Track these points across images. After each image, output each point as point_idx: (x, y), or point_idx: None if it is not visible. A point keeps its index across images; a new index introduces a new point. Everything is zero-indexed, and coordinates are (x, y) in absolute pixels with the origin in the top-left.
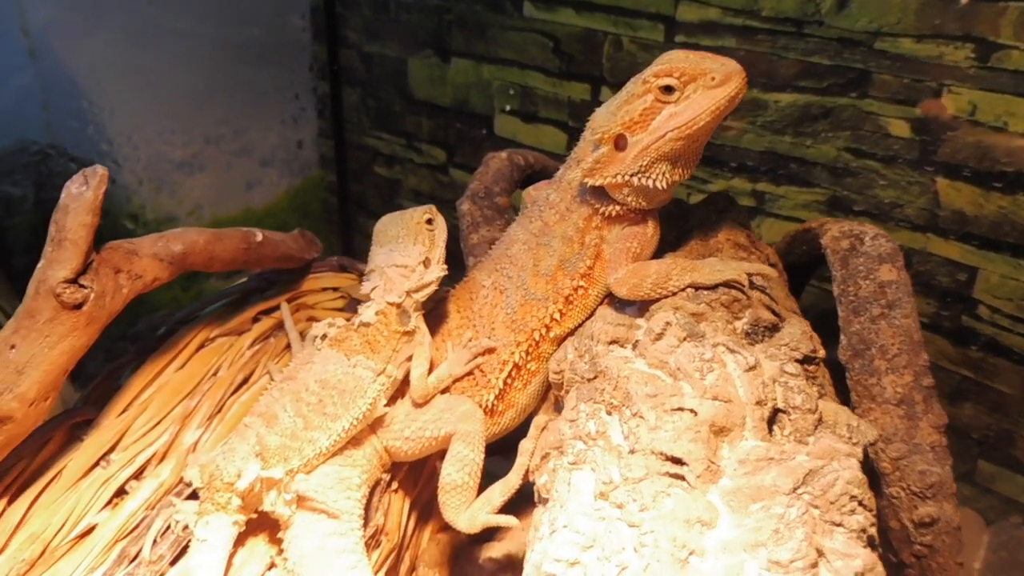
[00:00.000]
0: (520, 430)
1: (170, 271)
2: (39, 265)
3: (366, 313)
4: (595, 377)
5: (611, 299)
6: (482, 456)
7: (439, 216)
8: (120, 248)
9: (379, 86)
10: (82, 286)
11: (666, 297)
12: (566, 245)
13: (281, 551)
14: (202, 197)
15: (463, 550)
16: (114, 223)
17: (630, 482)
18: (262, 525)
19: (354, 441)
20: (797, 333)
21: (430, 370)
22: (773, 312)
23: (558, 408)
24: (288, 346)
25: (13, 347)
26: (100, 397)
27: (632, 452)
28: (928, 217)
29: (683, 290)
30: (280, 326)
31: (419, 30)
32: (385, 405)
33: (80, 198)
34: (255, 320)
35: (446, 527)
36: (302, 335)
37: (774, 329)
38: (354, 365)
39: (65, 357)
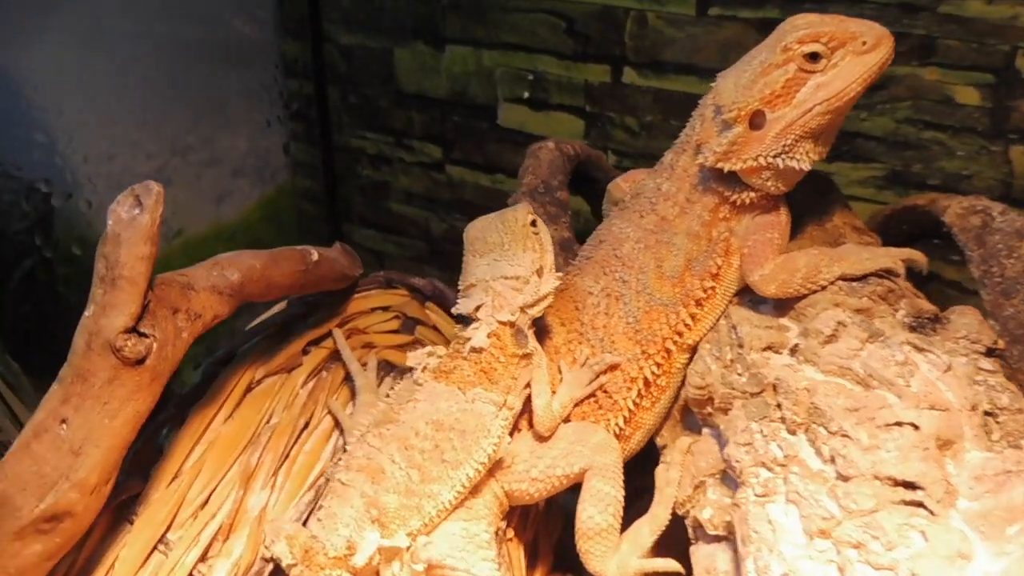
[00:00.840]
0: None
1: (230, 305)
2: (87, 314)
3: (477, 336)
4: (761, 391)
5: (741, 299)
6: (622, 492)
7: (539, 217)
8: (174, 283)
9: (362, 81)
10: (142, 335)
11: (814, 292)
12: (692, 242)
13: None
14: (169, 213)
15: None
16: (67, 248)
17: (858, 515)
18: None
19: (473, 489)
20: (974, 323)
21: None
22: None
23: (688, 427)
24: (346, 378)
25: (64, 422)
26: (142, 465)
27: (846, 479)
28: (1002, 188)
29: (832, 283)
30: (333, 357)
31: (407, 17)
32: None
33: (134, 225)
34: (304, 352)
35: (554, 572)
36: (362, 364)
37: (935, 321)
38: (472, 400)
39: (128, 427)
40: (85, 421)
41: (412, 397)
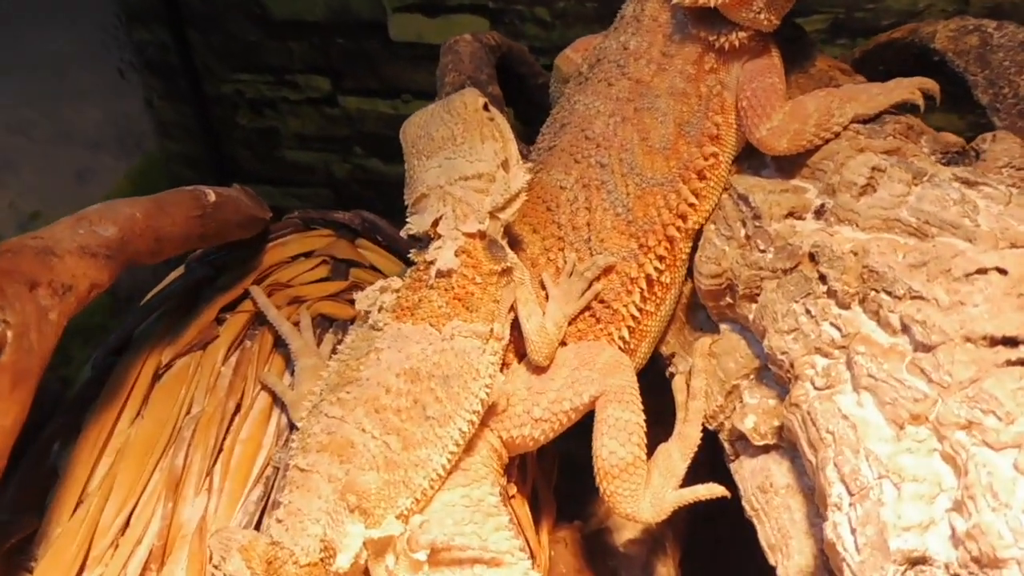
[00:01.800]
0: None
1: (108, 269)
2: None
3: (443, 256)
4: (796, 265)
5: (739, 165)
6: (643, 416)
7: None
8: (26, 249)
9: (224, 16)
10: None
11: (827, 142)
12: (679, 102)
13: None
14: (20, 202)
15: (593, 541)
16: None
17: (957, 389)
18: None
19: (466, 447)
20: (1015, 148)
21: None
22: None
23: (697, 327)
24: (276, 344)
25: None
26: (32, 495)
27: (928, 348)
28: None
29: (846, 127)
30: (256, 321)
31: None
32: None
33: None
34: (218, 321)
35: (559, 522)
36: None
37: (963, 154)
38: (450, 336)
39: None
40: None
41: (372, 347)
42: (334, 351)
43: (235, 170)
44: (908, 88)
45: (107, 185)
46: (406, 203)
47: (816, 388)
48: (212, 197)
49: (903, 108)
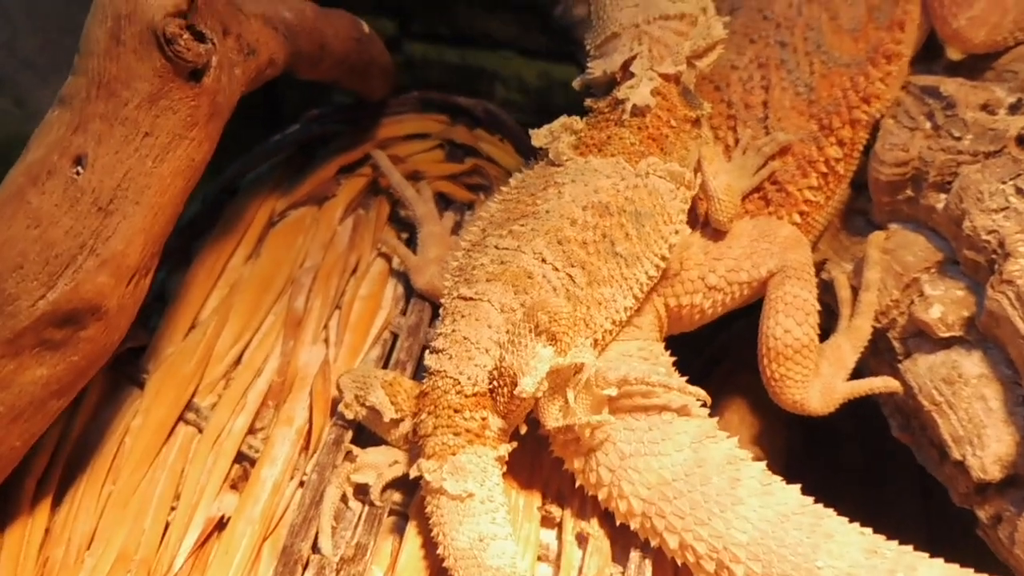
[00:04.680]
0: None
1: (285, 48)
2: None
3: (638, 92)
4: (1002, 148)
5: (911, 67)
6: (817, 299)
7: None
8: None
9: None
10: (198, 35)
11: (1017, 43)
12: None
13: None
14: None
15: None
16: None
17: None
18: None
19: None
20: None
21: None
22: None
23: (853, 232)
24: (391, 217)
25: (80, 161)
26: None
27: None
28: None
29: None
30: (371, 190)
31: None
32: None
33: None
34: (336, 181)
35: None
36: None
37: None
38: (645, 172)
39: (181, 182)
40: (116, 160)
41: (551, 182)
42: (455, 230)
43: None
44: None
45: None
46: (587, 48)
47: None
48: (366, 28)
49: None
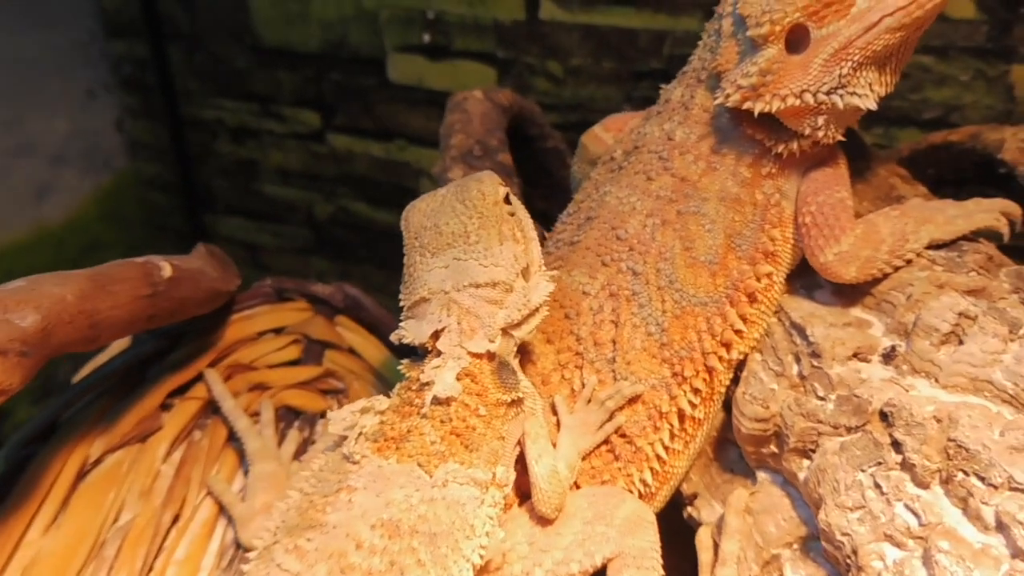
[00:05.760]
0: None
1: (22, 370)
2: None
3: (442, 380)
4: (864, 424)
5: (790, 283)
6: None
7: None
8: None
9: (210, 36)
10: None
11: (897, 270)
12: (731, 209)
13: None
14: None
15: None
16: None
17: None
18: None
19: None
20: None
21: None
22: None
23: (726, 467)
24: (231, 438)
25: None
26: None
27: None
28: (1000, 116)
29: (918, 255)
30: (207, 411)
31: None
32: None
33: None
34: (164, 408)
35: None
36: (252, 417)
37: None
38: (442, 483)
39: None
40: None
41: (345, 484)
42: (298, 454)
43: (209, 199)
44: (990, 212)
45: (68, 204)
46: (401, 303)
47: None
48: (167, 272)
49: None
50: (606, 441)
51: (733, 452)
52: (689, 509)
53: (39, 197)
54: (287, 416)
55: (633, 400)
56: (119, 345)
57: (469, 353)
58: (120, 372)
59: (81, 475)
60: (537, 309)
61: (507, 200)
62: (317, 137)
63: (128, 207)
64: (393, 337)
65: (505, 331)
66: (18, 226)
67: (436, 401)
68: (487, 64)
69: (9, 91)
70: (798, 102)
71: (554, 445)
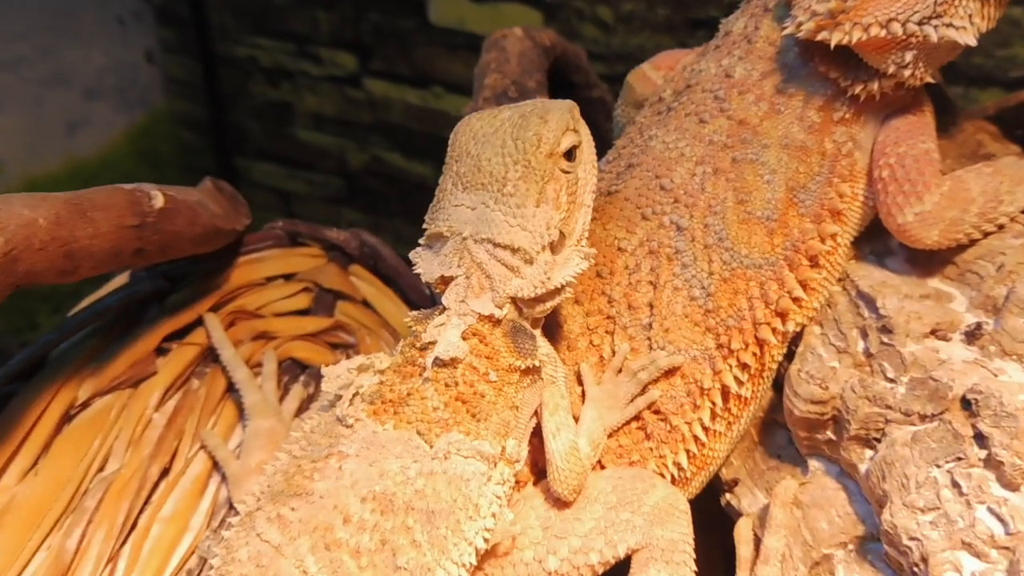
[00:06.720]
0: None
1: None
2: None
3: (444, 338)
4: (942, 412)
5: (857, 249)
6: None
7: (584, 126)
8: None
9: None
10: None
11: (986, 236)
12: (795, 158)
13: None
14: (2, 148)
15: None
16: None
17: None
18: None
19: None
20: None
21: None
22: None
23: (772, 452)
24: (229, 389)
25: None
26: None
27: None
28: None
29: (1012, 220)
30: (206, 358)
31: None
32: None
33: None
34: (160, 353)
35: None
36: (253, 368)
37: None
38: (443, 455)
39: None
40: None
41: (335, 449)
42: (301, 411)
43: (241, 142)
44: None
45: (100, 140)
46: (425, 226)
47: None
48: (159, 201)
49: None
50: (637, 417)
51: (782, 436)
52: (728, 496)
53: (71, 130)
54: (292, 369)
55: (670, 373)
56: (119, 282)
57: (477, 314)
58: (115, 310)
59: (66, 418)
60: (560, 289)
61: (570, 155)
62: (353, 81)
63: (162, 145)
64: (411, 255)
65: (516, 302)
66: (50, 159)
67: (439, 363)
68: (533, 7)
69: (42, 19)
70: (883, 32)
71: (577, 419)
